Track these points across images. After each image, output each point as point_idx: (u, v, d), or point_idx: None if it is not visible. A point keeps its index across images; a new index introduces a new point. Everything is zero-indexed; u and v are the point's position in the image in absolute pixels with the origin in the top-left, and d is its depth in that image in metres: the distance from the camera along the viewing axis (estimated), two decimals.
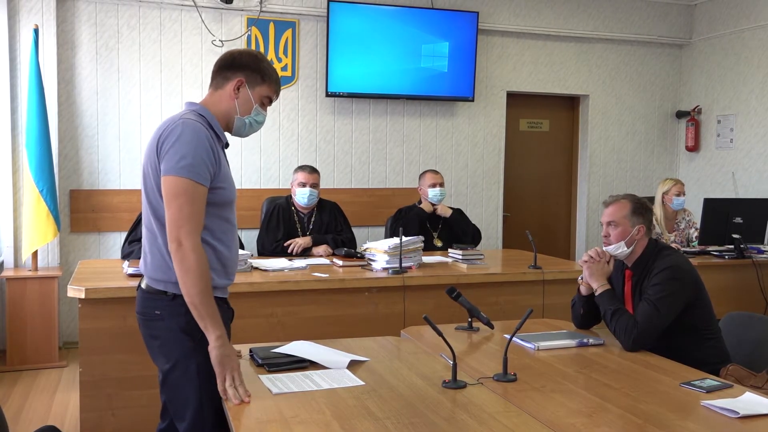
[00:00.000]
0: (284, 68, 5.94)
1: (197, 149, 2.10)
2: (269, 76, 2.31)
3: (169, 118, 2.21)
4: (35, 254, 5.07)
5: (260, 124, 2.36)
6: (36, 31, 5.06)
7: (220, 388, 2.07)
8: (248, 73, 2.27)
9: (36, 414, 4.06)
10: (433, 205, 5.09)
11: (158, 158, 2.13)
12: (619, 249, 2.86)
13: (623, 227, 2.86)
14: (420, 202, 5.15)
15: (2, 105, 5.14)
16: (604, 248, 2.91)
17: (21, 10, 5.17)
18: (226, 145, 2.31)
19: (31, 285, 4.93)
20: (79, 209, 5.47)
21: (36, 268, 5.08)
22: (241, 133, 2.35)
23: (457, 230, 5.11)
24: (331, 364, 2.37)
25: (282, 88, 5.85)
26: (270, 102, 2.36)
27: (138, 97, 5.59)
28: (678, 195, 5.18)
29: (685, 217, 5.35)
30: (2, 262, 5.23)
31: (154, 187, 2.16)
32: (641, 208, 2.90)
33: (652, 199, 5.26)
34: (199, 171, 2.09)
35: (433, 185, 5.06)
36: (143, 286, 2.26)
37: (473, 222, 5.34)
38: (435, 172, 5.17)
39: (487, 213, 6.64)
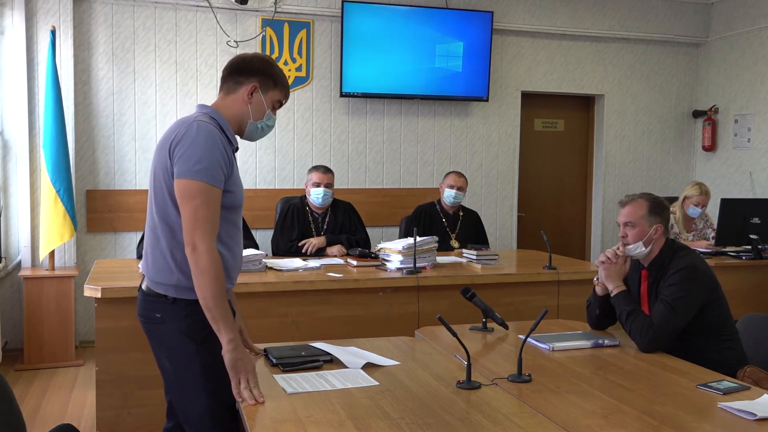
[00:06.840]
0: (299, 69, 5.95)
1: (212, 152, 2.10)
2: (281, 81, 2.32)
3: (180, 120, 2.20)
4: (52, 254, 5.11)
5: (271, 128, 2.37)
6: (53, 32, 5.11)
7: (234, 391, 2.06)
8: (261, 78, 2.27)
9: (53, 412, 4.09)
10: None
11: (170, 160, 2.11)
12: (637, 249, 2.84)
13: (641, 227, 2.83)
14: (439, 201, 5.16)
15: (20, 106, 5.19)
16: (623, 248, 2.88)
17: (38, 11, 5.22)
18: (236, 150, 2.31)
19: (48, 284, 4.97)
20: (95, 209, 5.51)
21: (53, 268, 5.12)
22: (253, 137, 2.35)
23: (476, 233, 5.14)
24: (348, 364, 2.38)
25: (296, 88, 5.97)
26: (280, 105, 2.36)
27: (154, 97, 5.62)
28: (697, 205, 5.12)
29: (703, 217, 5.31)
30: (20, 262, 5.28)
31: (163, 189, 2.15)
32: (658, 207, 2.87)
33: (671, 199, 5.22)
34: (214, 174, 2.09)
35: (451, 186, 5.06)
36: (144, 288, 2.26)
37: (487, 224, 5.35)
38: (459, 174, 5.12)
39: (501, 213, 6.62)
